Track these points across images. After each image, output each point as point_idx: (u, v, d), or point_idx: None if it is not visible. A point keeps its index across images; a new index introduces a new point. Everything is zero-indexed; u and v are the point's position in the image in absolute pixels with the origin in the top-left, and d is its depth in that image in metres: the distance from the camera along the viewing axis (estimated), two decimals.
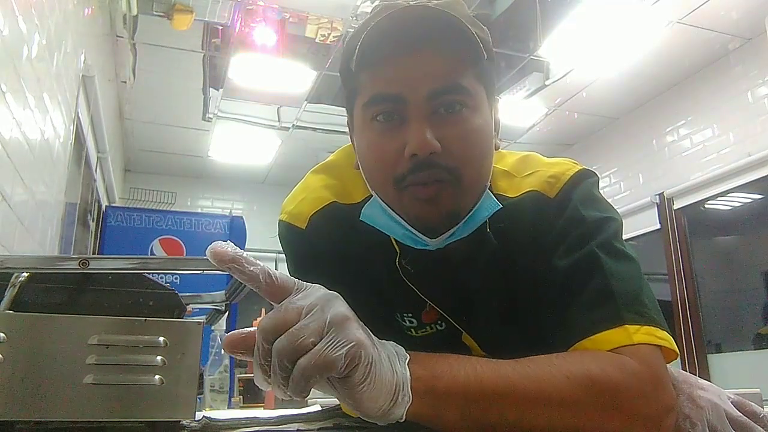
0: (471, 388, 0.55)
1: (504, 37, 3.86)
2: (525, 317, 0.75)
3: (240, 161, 5.91)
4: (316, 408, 0.72)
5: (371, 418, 0.51)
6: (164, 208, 5.31)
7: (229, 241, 0.50)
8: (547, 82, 4.32)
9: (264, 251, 5.34)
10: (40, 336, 0.52)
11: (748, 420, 0.70)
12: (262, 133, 5.29)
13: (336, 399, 0.52)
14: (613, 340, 0.63)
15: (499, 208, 0.73)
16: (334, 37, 3.89)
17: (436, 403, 0.53)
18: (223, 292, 0.79)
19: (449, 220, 0.69)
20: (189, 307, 0.66)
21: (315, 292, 0.51)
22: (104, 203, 4.53)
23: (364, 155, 0.73)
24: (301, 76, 4.27)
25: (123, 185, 5.88)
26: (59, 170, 2.65)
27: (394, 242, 0.76)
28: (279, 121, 5.08)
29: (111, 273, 0.59)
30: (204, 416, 0.61)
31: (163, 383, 0.53)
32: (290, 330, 0.47)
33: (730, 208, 4.37)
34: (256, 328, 0.50)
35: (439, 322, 0.79)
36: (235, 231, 4.43)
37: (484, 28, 0.74)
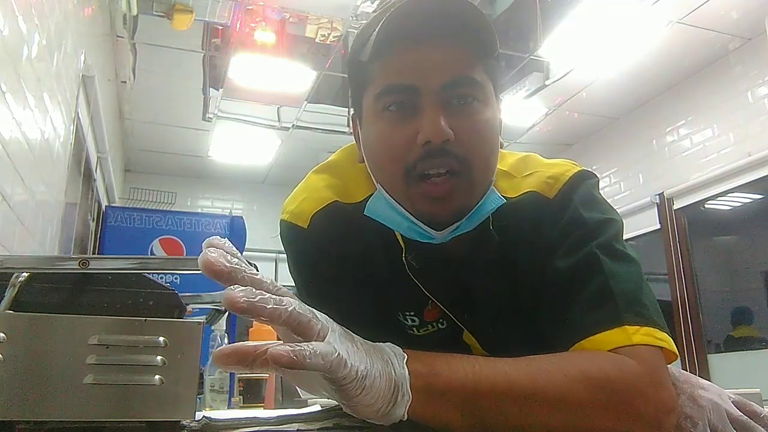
0: (470, 386, 0.55)
1: (504, 37, 3.87)
2: (525, 316, 0.75)
3: (240, 161, 5.91)
4: (316, 408, 0.72)
5: (372, 420, 0.51)
6: (164, 208, 5.31)
7: (248, 288, 0.47)
8: (547, 82, 4.32)
9: (264, 251, 5.36)
10: (40, 336, 0.52)
11: (749, 419, 0.70)
12: (262, 133, 5.29)
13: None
14: (612, 340, 0.63)
15: (503, 203, 0.73)
16: (334, 37, 3.90)
17: (436, 400, 0.54)
18: (223, 292, 0.79)
19: (458, 216, 0.70)
20: (189, 307, 0.66)
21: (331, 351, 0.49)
22: (104, 203, 4.53)
23: (373, 146, 0.73)
24: (301, 76, 4.27)
25: (123, 185, 5.88)
26: (59, 170, 2.65)
27: (399, 238, 0.76)
28: (279, 121, 5.08)
29: (111, 273, 0.59)
30: (204, 416, 0.61)
31: (163, 383, 0.53)
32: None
33: (730, 208, 4.37)
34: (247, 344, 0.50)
35: (441, 320, 0.80)
36: (235, 231, 4.43)
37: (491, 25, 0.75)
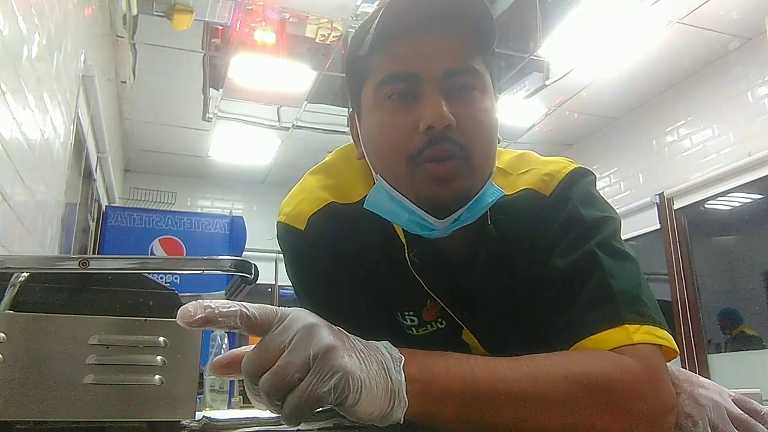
0: (467, 389, 0.54)
1: (504, 37, 3.87)
2: (525, 314, 0.75)
3: (240, 161, 5.91)
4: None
5: (370, 423, 0.51)
6: (164, 208, 5.31)
7: (198, 301, 0.48)
8: (547, 82, 4.32)
9: (264, 251, 5.35)
10: (40, 336, 0.52)
11: (750, 417, 0.70)
12: (262, 133, 5.29)
13: None
14: (612, 339, 0.63)
15: (502, 194, 0.73)
16: (334, 37, 3.90)
17: (433, 404, 0.53)
18: (223, 292, 0.79)
19: (459, 199, 0.70)
20: None
21: (295, 322, 0.49)
22: (104, 203, 4.53)
23: (374, 136, 0.73)
24: (301, 76, 4.27)
25: (123, 185, 5.88)
26: (59, 170, 2.65)
27: (400, 235, 0.76)
28: (279, 121, 5.08)
29: (111, 273, 0.59)
30: (204, 416, 0.61)
31: (163, 383, 0.53)
32: (273, 368, 0.47)
33: (730, 208, 4.37)
34: (245, 348, 0.50)
35: (440, 320, 0.80)
36: (235, 231, 4.43)
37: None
